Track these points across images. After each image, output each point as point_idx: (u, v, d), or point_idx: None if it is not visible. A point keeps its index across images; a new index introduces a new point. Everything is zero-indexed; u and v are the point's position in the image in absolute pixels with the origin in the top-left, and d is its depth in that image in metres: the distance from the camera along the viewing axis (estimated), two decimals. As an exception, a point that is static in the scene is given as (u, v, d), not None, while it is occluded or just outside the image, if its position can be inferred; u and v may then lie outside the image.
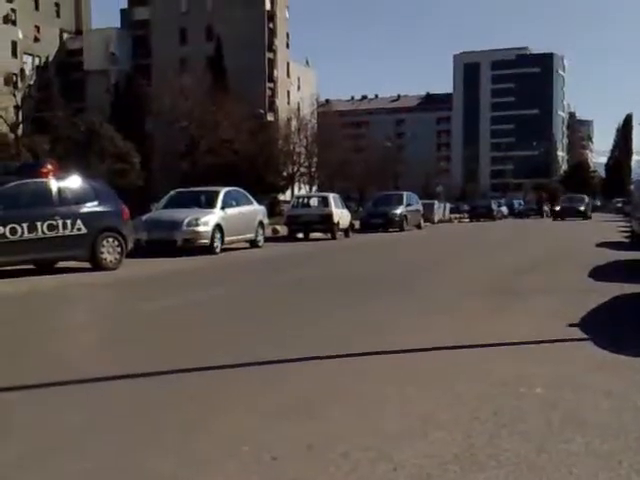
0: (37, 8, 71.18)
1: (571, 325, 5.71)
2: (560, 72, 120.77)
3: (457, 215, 45.44)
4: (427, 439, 3.09)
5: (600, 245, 15.95)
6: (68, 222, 11.87)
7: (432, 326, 6.03)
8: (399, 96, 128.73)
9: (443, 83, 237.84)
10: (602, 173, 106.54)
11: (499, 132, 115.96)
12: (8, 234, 11.08)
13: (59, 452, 3.04)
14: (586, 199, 44.82)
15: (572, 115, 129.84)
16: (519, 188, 77.82)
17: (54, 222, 11.68)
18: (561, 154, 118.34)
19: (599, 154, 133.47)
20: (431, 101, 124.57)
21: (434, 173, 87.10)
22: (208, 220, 16.33)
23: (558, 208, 42.68)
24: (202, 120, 45.43)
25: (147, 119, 51.69)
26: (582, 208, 41.87)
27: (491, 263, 13.13)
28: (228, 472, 2.79)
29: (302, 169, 57.65)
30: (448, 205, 45.89)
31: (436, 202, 40.52)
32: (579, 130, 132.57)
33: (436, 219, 37.42)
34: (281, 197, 53.60)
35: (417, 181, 68.52)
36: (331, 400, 3.76)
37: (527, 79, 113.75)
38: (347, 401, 3.75)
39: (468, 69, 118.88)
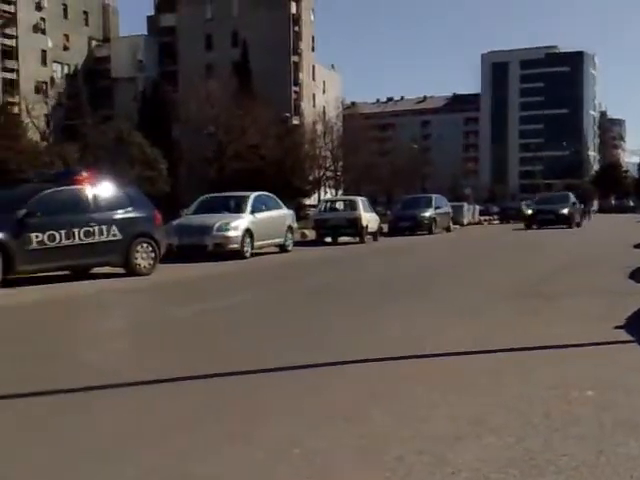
0: (66, 17, 72.20)
1: (617, 327, 5.62)
2: (591, 71, 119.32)
3: (487, 217, 45.02)
4: (480, 443, 3.06)
5: (638, 246, 15.67)
6: (103, 228, 12.00)
7: (471, 329, 5.97)
8: (425, 97, 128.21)
9: (469, 83, 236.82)
10: (635, 173, 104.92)
11: (528, 132, 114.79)
12: (46, 241, 11.23)
13: (103, 457, 3.05)
14: (571, 198, 31.40)
15: (603, 114, 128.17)
16: (549, 189, 77.03)
17: (90, 228, 11.81)
18: (592, 154, 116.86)
19: (632, 154, 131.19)
20: (458, 102, 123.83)
21: (462, 175, 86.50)
22: (238, 225, 16.40)
23: (529, 212, 31.36)
24: (229, 125, 45.67)
25: (174, 125, 52.11)
26: (564, 211, 29.55)
27: (525, 265, 13.00)
28: (280, 476, 2.78)
29: (328, 173, 57.64)
30: (477, 207, 45.49)
31: (465, 204, 40.19)
32: (611, 130, 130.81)
33: (465, 221, 37.13)
34: (306, 201, 53.68)
35: (444, 183, 68.20)
36: (377, 403, 3.73)
37: (557, 78, 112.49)
38: (393, 404, 3.72)
39: (496, 68, 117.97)
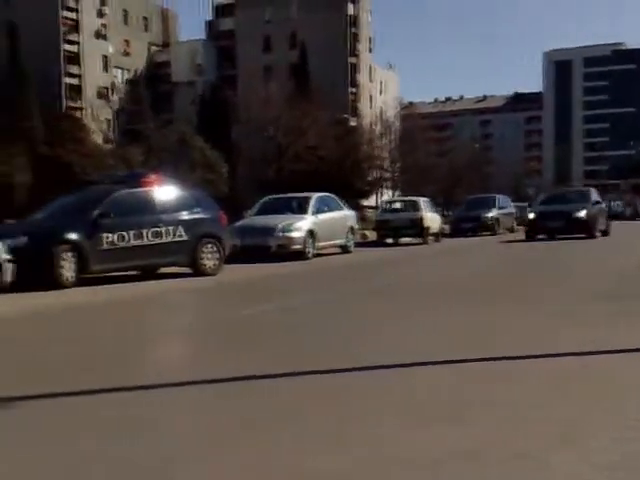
0: (127, 23, 73.85)
1: None
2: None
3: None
4: (581, 446, 2.92)
5: None
6: (171, 229, 12.22)
7: (558, 331, 5.77)
8: (485, 96, 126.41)
9: (531, 82, 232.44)
10: None
11: (593, 131, 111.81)
12: (117, 241, 11.49)
13: (186, 458, 3.02)
14: (592, 195, 22.47)
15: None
16: (616, 189, 74.77)
17: (158, 229, 12.04)
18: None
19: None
20: (519, 101, 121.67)
21: (524, 174, 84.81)
22: (301, 226, 16.46)
23: (531, 215, 21.99)
24: (288, 127, 45.88)
25: (232, 128, 52.66)
26: (580, 214, 20.72)
27: (601, 265, 12.59)
28: (391, 476, 2.72)
29: (386, 174, 57.35)
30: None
31: (528, 204, 39.31)
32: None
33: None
34: (365, 202, 53.50)
35: (506, 183, 66.96)
36: (471, 405, 3.62)
37: (623, 76, 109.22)
38: (490, 406, 3.61)
39: (559, 67, 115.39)
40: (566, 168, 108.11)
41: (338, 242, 18.14)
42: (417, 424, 3.32)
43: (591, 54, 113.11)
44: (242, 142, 50.56)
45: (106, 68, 71.06)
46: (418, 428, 3.25)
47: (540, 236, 20.98)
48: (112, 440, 3.27)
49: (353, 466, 2.81)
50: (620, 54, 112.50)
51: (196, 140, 46.67)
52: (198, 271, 12.52)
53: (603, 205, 23.61)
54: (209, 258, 12.74)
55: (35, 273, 10.08)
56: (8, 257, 9.07)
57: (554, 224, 20.71)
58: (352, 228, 18.99)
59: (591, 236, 20.32)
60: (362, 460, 2.87)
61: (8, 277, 9.02)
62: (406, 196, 37.74)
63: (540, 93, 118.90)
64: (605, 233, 21.86)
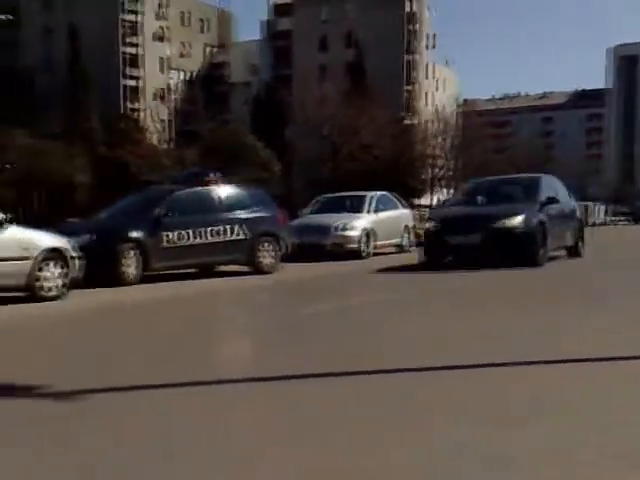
0: (185, 24, 74.95)
1: None
2: None
3: (618, 217, 42.61)
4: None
5: None
6: (230, 227, 12.37)
7: None
8: (545, 93, 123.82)
9: (592, 79, 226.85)
10: None
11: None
12: (178, 239, 11.70)
13: (261, 455, 3.00)
14: (541, 190, 12.93)
15: None
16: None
17: (218, 228, 12.20)
18: None
19: None
20: (581, 97, 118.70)
21: (586, 173, 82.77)
22: (357, 224, 16.45)
23: (429, 226, 13.26)
24: (343, 126, 45.83)
25: (286, 127, 52.91)
26: (515, 223, 11.92)
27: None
28: (467, 475, 2.67)
29: (441, 172, 56.73)
30: (603, 207, 43.30)
31: (590, 204, 38.47)
32: None
33: (591, 221, 35.48)
34: (419, 201, 53.01)
35: (567, 181, 65.39)
36: (555, 406, 3.52)
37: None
38: (575, 407, 3.50)
39: (624, 62, 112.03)
40: (630, 167, 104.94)
41: (395, 241, 18.04)
42: (491, 426, 3.24)
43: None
44: (296, 141, 50.76)
45: (164, 70, 72.26)
46: (493, 431, 3.18)
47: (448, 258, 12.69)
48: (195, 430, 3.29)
49: (431, 463, 2.77)
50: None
51: (250, 139, 47.08)
52: (256, 269, 12.62)
53: (570, 204, 14.44)
54: (267, 256, 12.85)
55: (100, 270, 10.32)
56: (78, 254, 9.36)
57: (463, 240, 12.08)
58: (409, 227, 18.84)
59: (533, 262, 11.60)
60: (440, 459, 2.83)
61: (78, 273, 9.32)
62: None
63: (602, 90, 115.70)
64: (574, 252, 13.93)
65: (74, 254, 9.30)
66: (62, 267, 9.05)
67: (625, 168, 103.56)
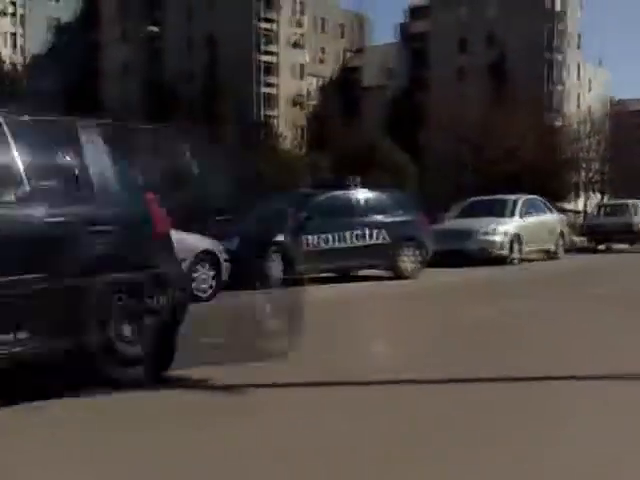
0: (323, 31, 75.98)
1: None
2: None
3: None
4: None
5: None
6: (374, 232, 12.24)
7: None
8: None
9: None
10: None
11: None
12: (321, 243, 11.65)
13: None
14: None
15: None
16: None
17: (361, 232, 12.09)
18: None
19: None
20: None
21: None
22: (505, 229, 15.76)
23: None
24: (485, 128, 44.53)
25: (422, 131, 52.21)
26: None
27: None
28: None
29: (594, 176, 53.85)
30: None
31: None
32: None
33: None
34: (568, 206, 50.61)
35: None
36: None
37: None
38: None
39: None
40: None
41: (545, 247, 17.22)
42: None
43: None
44: (433, 145, 49.91)
45: (301, 76, 73.59)
46: None
47: None
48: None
49: None
50: None
51: (385, 143, 46.85)
52: (398, 274, 12.37)
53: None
54: (409, 261, 12.57)
55: (247, 273, 10.37)
56: (225, 257, 9.61)
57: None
58: (562, 233, 17.94)
59: None
60: None
61: (226, 276, 9.57)
62: (617, 199, 35.08)
63: None
64: None
65: (224, 257, 9.56)
66: (214, 269, 9.38)
67: None
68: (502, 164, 42.72)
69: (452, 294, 10.66)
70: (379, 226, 12.30)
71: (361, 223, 12.15)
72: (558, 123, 58.01)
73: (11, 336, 3.69)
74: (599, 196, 52.25)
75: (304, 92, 73.20)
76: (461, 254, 15.31)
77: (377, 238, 12.21)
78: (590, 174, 53.55)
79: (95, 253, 4.04)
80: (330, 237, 11.70)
